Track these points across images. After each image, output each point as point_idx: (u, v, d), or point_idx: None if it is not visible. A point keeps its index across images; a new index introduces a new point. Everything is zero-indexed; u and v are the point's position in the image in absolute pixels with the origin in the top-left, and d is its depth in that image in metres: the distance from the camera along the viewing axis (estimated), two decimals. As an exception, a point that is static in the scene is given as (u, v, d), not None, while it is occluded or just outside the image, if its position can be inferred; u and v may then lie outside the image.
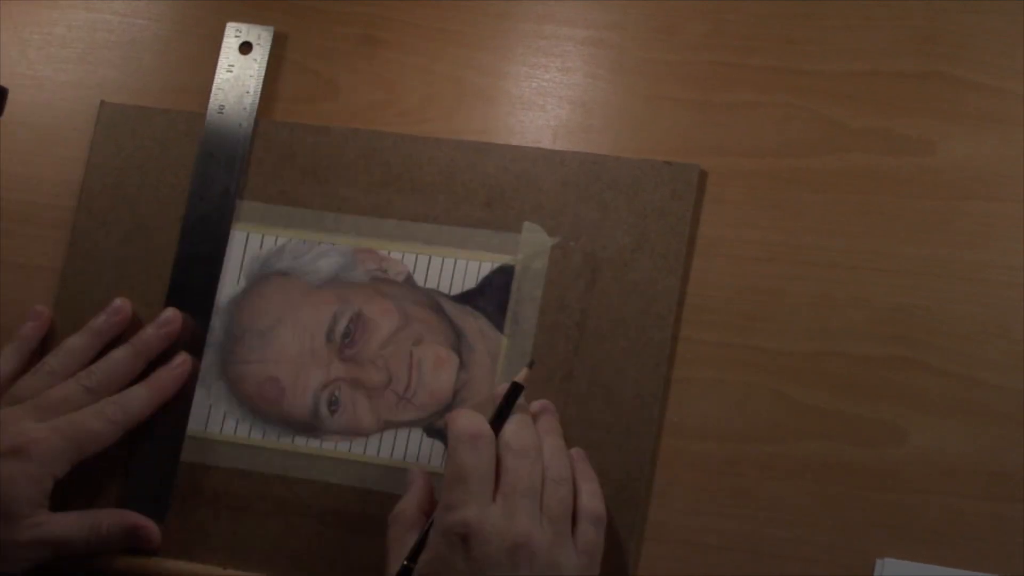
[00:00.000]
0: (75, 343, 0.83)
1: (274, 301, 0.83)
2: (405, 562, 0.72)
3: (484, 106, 0.84)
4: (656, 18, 0.83)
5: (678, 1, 0.83)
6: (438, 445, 0.80)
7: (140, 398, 0.81)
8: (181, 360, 0.82)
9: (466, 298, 0.81)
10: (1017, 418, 0.74)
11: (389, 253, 0.83)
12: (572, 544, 0.71)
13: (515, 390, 0.76)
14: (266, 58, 0.86)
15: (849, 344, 0.77)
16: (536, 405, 0.77)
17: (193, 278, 0.84)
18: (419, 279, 0.82)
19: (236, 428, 0.82)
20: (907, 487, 0.74)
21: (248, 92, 0.86)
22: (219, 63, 0.86)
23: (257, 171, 0.85)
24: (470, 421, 0.73)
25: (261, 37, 0.87)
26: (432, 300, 0.82)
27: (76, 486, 0.80)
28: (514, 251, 0.81)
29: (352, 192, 0.84)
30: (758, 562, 0.75)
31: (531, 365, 0.77)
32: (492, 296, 0.80)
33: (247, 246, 0.84)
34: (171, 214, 0.85)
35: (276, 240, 0.84)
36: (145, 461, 0.82)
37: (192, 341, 0.83)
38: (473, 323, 0.81)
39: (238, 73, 0.86)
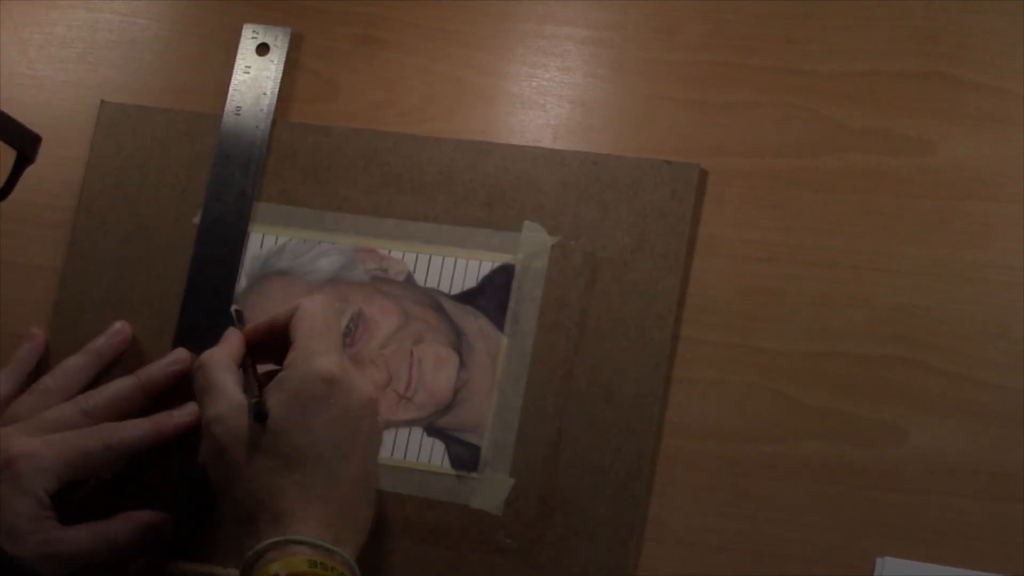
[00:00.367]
0: (73, 363, 0.82)
1: (275, 300, 0.83)
2: (256, 398, 0.73)
3: (484, 106, 0.85)
4: (656, 18, 0.83)
5: (678, 1, 0.83)
6: (438, 444, 0.80)
7: (140, 429, 0.79)
8: (190, 410, 0.80)
9: (466, 297, 0.81)
10: (1017, 418, 0.74)
11: (389, 252, 0.83)
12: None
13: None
14: (283, 60, 0.86)
15: (849, 344, 0.77)
16: None
17: (209, 280, 0.83)
18: (419, 278, 0.82)
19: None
20: (907, 487, 0.74)
21: (265, 94, 0.86)
22: (235, 64, 0.86)
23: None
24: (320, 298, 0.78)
25: (278, 38, 0.86)
26: (432, 299, 0.82)
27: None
28: (514, 250, 0.81)
29: (352, 192, 0.84)
30: (758, 562, 0.75)
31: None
32: (492, 295, 0.80)
33: (248, 246, 0.84)
34: (171, 214, 0.85)
35: (276, 240, 0.84)
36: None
37: None
38: (473, 322, 0.81)
39: (255, 75, 0.86)
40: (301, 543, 0.70)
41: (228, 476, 0.73)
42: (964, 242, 0.77)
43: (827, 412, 0.76)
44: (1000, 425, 0.74)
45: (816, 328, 0.77)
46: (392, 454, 0.80)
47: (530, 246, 0.81)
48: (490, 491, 0.78)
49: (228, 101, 0.85)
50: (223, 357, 0.77)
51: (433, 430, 0.80)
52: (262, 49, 0.86)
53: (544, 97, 0.84)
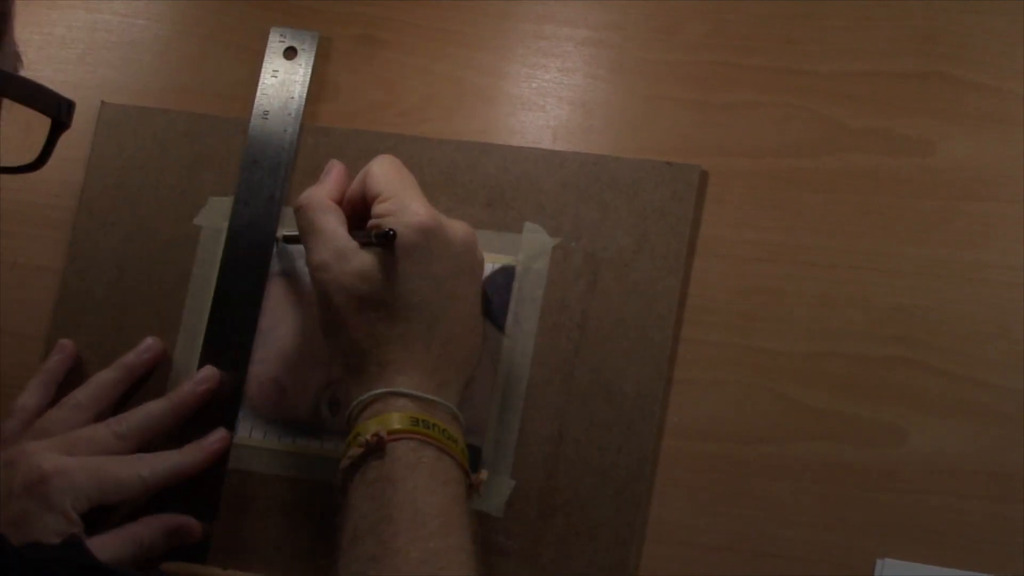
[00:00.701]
0: (104, 378, 0.81)
1: (275, 302, 0.83)
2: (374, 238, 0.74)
3: (484, 106, 0.85)
4: (656, 18, 0.83)
5: (678, 1, 0.83)
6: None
7: (172, 461, 0.79)
8: (219, 437, 0.80)
9: (467, 299, 0.81)
10: (1017, 418, 0.74)
11: (390, 254, 0.83)
12: None
13: None
14: (311, 63, 0.86)
15: (849, 344, 0.77)
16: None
17: (239, 284, 0.83)
18: (420, 280, 0.82)
19: (237, 429, 0.82)
20: (907, 487, 0.74)
21: (293, 97, 0.85)
22: (263, 68, 0.85)
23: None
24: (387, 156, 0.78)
25: (306, 42, 0.86)
26: (433, 300, 0.82)
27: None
28: (515, 252, 0.81)
29: (353, 192, 0.84)
30: (758, 562, 0.75)
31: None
32: (493, 296, 0.80)
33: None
34: (172, 214, 0.85)
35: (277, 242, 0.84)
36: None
37: (228, 398, 0.82)
38: (474, 323, 0.81)
39: (283, 78, 0.85)
40: (403, 395, 0.72)
41: (335, 324, 0.75)
42: (964, 242, 0.77)
43: (827, 412, 0.76)
44: (1000, 425, 0.74)
45: (816, 328, 0.77)
46: (393, 455, 0.80)
47: (531, 247, 0.81)
48: (491, 492, 0.78)
49: (256, 105, 0.85)
50: (322, 198, 0.77)
51: (434, 431, 0.80)
52: (289, 53, 0.86)
53: (544, 98, 0.84)
